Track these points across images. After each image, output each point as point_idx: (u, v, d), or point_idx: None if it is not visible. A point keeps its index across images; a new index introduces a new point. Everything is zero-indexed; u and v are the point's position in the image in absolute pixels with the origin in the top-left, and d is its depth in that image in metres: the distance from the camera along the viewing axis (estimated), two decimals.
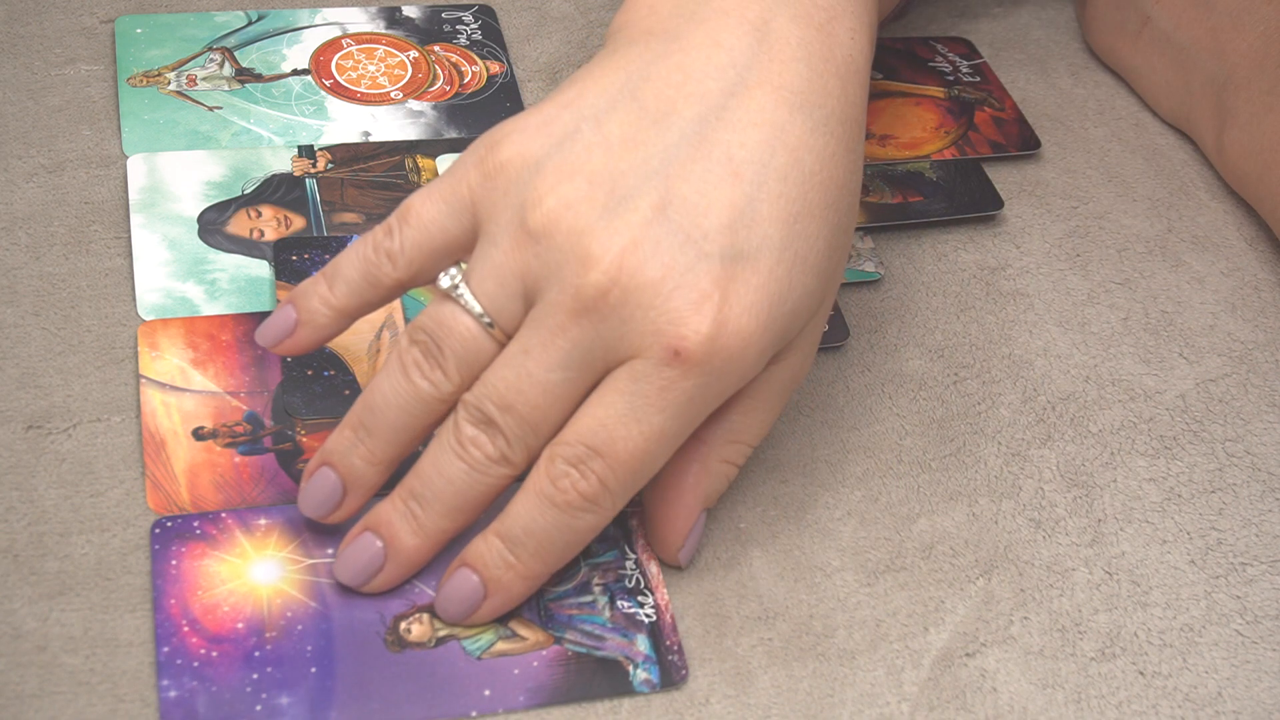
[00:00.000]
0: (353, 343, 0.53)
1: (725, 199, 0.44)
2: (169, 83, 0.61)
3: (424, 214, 0.46)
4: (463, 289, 0.45)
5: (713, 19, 0.47)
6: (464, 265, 0.46)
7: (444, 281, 0.45)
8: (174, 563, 0.46)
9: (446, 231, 0.46)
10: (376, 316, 0.53)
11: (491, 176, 0.45)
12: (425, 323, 0.45)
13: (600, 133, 0.45)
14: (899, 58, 0.68)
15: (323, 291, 0.47)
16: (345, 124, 0.61)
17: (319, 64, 0.63)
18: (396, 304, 0.54)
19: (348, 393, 0.51)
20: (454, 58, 0.65)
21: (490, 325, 0.45)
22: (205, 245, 0.56)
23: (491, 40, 0.66)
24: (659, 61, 0.46)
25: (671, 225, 0.44)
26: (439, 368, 0.45)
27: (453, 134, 0.61)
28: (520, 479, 0.46)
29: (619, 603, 0.48)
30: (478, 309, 0.45)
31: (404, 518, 0.46)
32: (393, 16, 0.66)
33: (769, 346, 0.45)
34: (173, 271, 0.54)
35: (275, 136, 0.60)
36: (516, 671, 0.46)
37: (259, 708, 0.44)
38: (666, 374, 0.43)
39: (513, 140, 0.46)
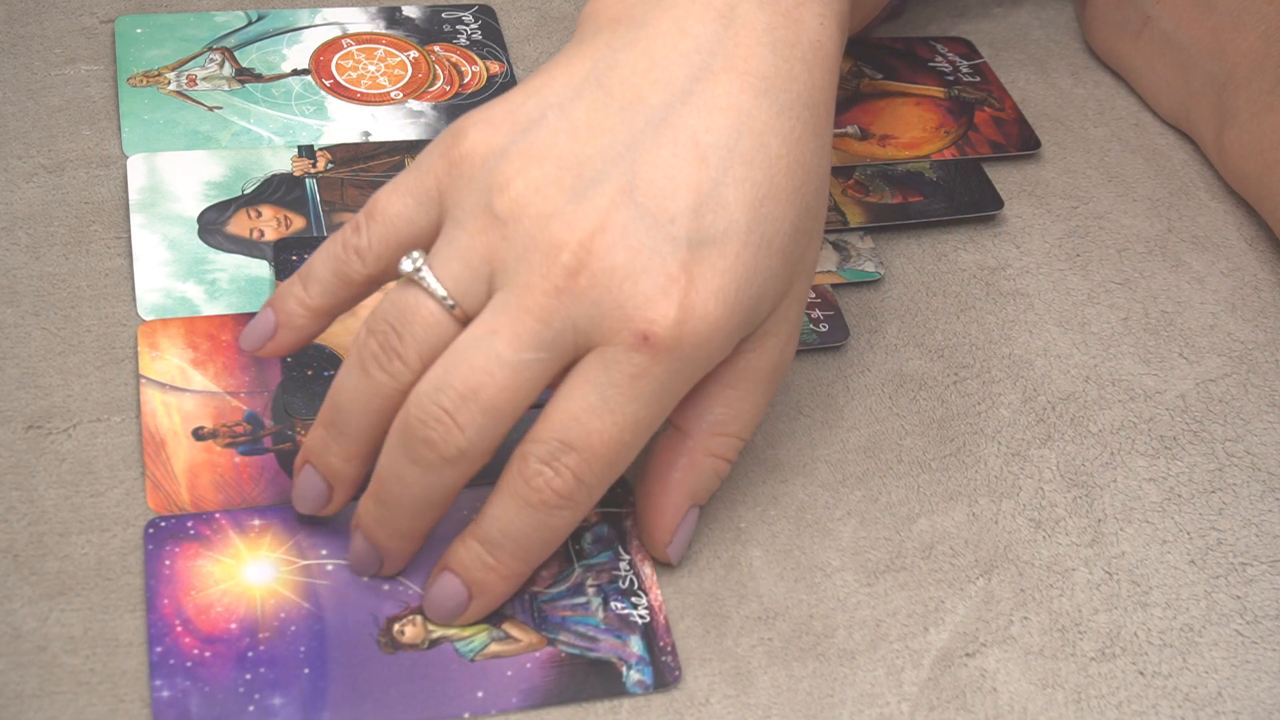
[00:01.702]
0: (351, 341, 0.53)
1: (691, 183, 0.44)
2: (169, 83, 0.61)
3: (390, 208, 0.46)
4: (425, 272, 0.44)
5: (679, 6, 0.47)
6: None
7: (406, 265, 0.45)
8: (168, 563, 0.46)
9: (414, 224, 0.46)
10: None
11: (457, 165, 0.45)
12: (385, 310, 0.45)
13: (566, 119, 0.45)
14: (899, 58, 0.68)
15: (298, 293, 0.47)
16: (345, 124, 0.61)
17: (319, 64, 0.63)
18: None
19: None
20: (454, 58, 0.65)
21: (453, 308, 0.44)
22: (205, 245, 0.56)
23: (491, 40, 0.66)
24: (625, 49, 0.46)
25: (638, 209, 0.44)
26: (398, 358, 0.44)
27: None
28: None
29: (612, 604, 0.48)
30: (441, 292, 0.44)
31: (376, 521, 0.46)
32: (393, 16, 0.66)
33: (736, 330, 0.45)
34: (173, 271, 0.54)
35: (275, 136, 0.60)
36: (510, 673, 0.45)
37: (252, 708, 0.44)
38: (637, 360, 0.43)
39: (478, 130, 0.45)
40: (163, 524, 0.47)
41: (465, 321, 0.44)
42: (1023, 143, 0.65)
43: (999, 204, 0.62)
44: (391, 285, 0.48)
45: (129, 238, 0.55)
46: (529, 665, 0.46)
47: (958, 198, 0.62)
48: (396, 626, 0.46)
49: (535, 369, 0.43)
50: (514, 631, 0.46)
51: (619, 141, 0.45)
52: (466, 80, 0.64)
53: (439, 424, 0.43)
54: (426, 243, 0.46)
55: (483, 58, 0.65)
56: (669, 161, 0.44)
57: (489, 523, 0.45)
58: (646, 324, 0.43)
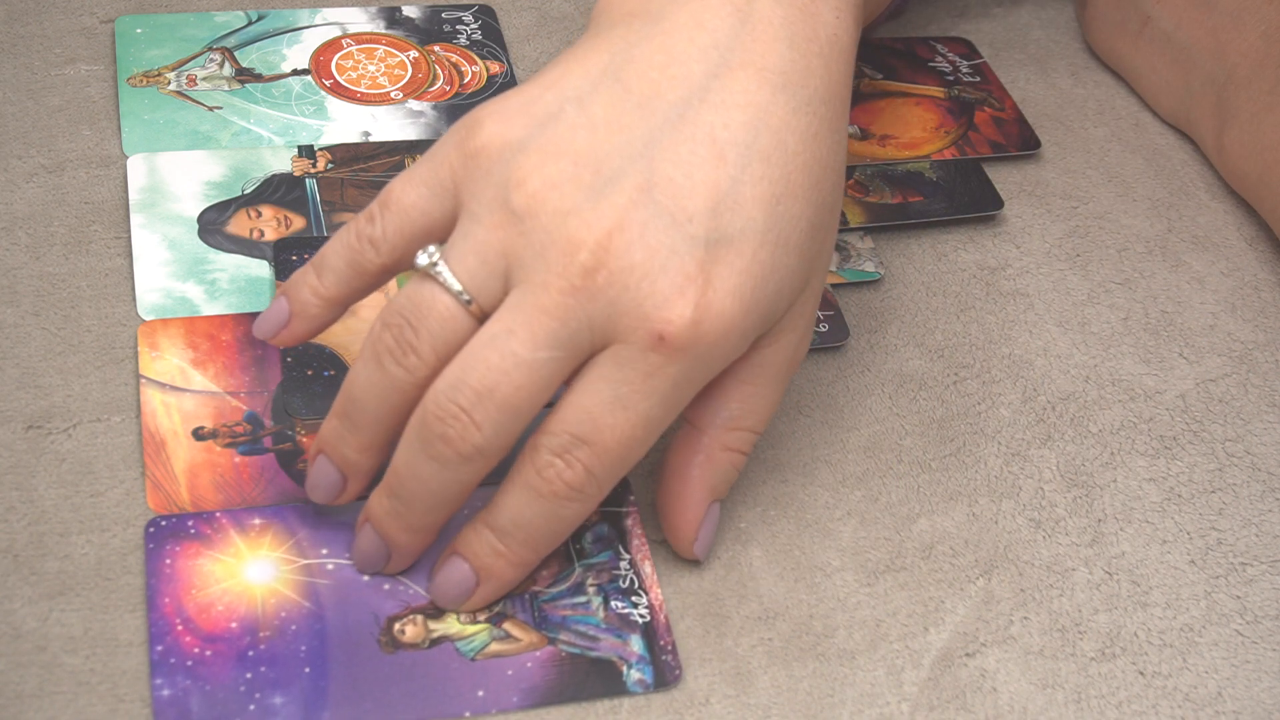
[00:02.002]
0: (351, 341, 0.53)
1: (709, 181, 0.44)
2: (169, 83, 0.61)
3: (405, 199, 0.46)
4: (441, 266, 0.44)
5: (696, 0, 0.47)
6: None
7: (421, 259, 0.45)
8: (168, 562, 0.46)
9: (428, 215, 0.46)
10: (374, 313, 0.53)
11: (473, 157, 0.45)
12: (401, 304, 0.45)
13: (584, 114, 0.45)
14: (899, 58, 0.68)
15: (312, 282, 0.47)
16: (345, 124, 0.61)
17: (319, 64, 0.63)
18: None
19: None
20: (454, 58, 0.65)
21: (469, 303, 0.44)
22: (205, 245, 0.56)
23: (491, 40, 0.66)
24: (642, 43, 0.46)
25: (657, 207, 0.44)
26: (413, 352, 0.44)
27: None
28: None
29: (613, 603, 0.48)
30: (457, 286, 0.44)
31: (389, 515, 0.46)
32: (393, 16, 0.66)
33: (751, 329, 0.45)
34: (173, 271, 0.54)
35: (275, 136, 0.60)
36: (510, 672, 0.45)
37: (252, 707, 0.44)
38: (652, 359, 0.43)
39: (494, 121, 0.45)
40: (163, 523, 0.47)
41: (481, 317, 0.44)
42: (1023, 143, 0.65)
43: (999, 204, 0.62)
44: (394, 288, 0.48)
45: (129, 238, 0.55)
46: (529, 664, 0.46)
47: (958, 198, 0.62)
48: (397, 626, 0.46)
49: (551, 367, 0.43)
50: (514, 631, 0.46)
51: (637, 138, 0.44)
52: (466, 80, 0.64)
53: (456, 421, 0.43)
54: (441, 234, 0.46)
55: (483, 58, 0.65)
56: (687, 159, 0.44)
57: (500, 511, 0.45)
58: (663, 324, 0.43)
